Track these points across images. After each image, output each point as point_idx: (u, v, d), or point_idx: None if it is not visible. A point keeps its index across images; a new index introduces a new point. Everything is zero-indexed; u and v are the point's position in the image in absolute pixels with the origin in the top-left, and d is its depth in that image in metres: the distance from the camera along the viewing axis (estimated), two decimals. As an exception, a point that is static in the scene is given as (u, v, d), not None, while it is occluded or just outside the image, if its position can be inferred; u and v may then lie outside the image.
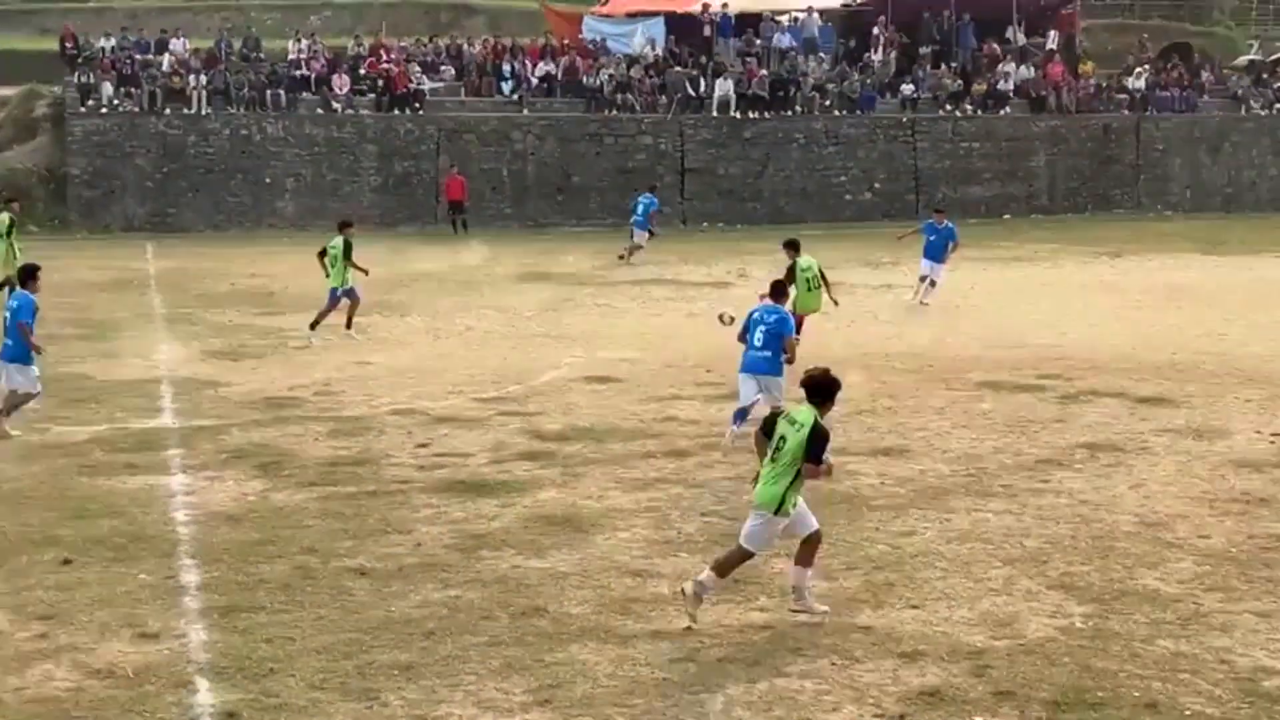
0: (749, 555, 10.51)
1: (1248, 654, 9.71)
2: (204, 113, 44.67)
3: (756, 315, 16.39)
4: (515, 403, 18.63)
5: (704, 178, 46.83)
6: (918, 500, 13.73)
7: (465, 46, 49.10)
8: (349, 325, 23.87)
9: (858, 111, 48.96)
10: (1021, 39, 53.07)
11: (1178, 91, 52.61)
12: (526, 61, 48.13)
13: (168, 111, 44.48)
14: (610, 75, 47.58)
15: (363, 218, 44.62)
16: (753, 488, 10.60)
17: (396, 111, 45.82)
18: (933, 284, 27.53)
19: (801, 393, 10.69)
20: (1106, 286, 31.10)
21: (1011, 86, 50.65)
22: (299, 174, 45.09)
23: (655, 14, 51.11)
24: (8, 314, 16.94)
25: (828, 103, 48.67)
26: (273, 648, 9.90)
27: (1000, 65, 51.09)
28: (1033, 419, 17.34)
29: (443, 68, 48.21)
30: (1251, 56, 58.45)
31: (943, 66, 51.07)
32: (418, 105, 46.06)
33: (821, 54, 50.88)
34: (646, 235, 36.39)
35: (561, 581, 11.32)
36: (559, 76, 47.87)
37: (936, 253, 27.61)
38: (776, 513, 10.33)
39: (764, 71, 48.77)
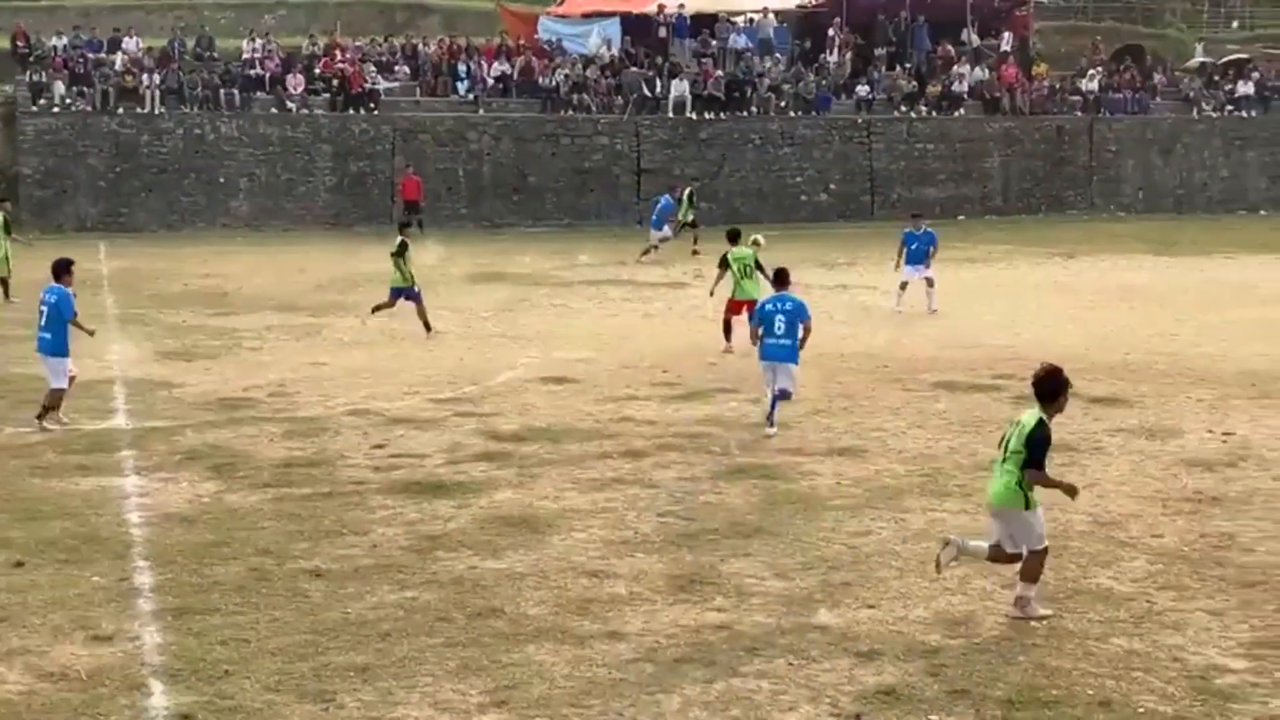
0: (1042, 554, 10.48)
1: (1200, 652, 9.78)
2: (157, 112, 44.44)
3: (771, 306, 16.99)
4: (471, 403, 18.59)
5: (660, 178, 46.86)
6: (874, 500, 13.77)
7: (420, 46, 49.03)
8: (427, 326, 24.22)
9: (813, 112, 49.16)
10: (976, 41, 53.38)
11: (1130, 93, 53.10)
12: (482, 61, 48.09)
13: (120, 111, 44.25)
14: (566, 76, 47.59)
15: (317, 218, 44.90)
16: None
17: (351, 111, 45.70)
18: (930, 283, 27.01)
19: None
20: (1060, 287, 31.30)
21: (966, 88, 50.98)
22: (253, 174, 44.91)
23: (611, 14, 51.17)
24: (45, 307, 17.29)
25: (783, 104, 48.83)
26: (227, 650, 9.84)
27: (955, 67, 51.41)
28: (987, 419, 17.40)
29: (398, 67, 48.12)
30: (1202, 59, 58.97)
31: (898, 68, 51.34)
32: (373, 105, 45.94)
33: (777, 55, 51.07)
34: (661, 235, 36.78)
35: (518, 582, 11.30)
36: (514, 77, 47.86)
37: (921, 258, 27.18)
38: (1026, 509, 10.40)
39: (719, 72, 48.89)
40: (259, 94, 45.74)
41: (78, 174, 43.83)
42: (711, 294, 23.68)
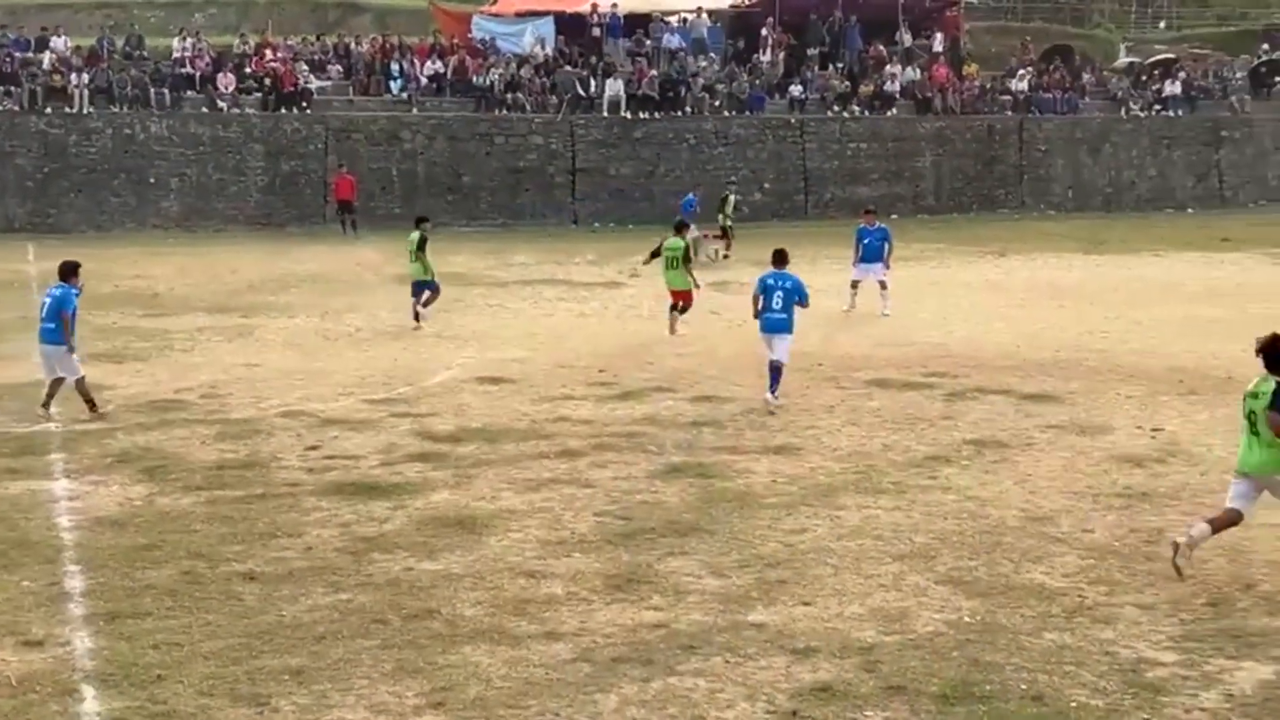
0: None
1: (1130, 646, 9.89)
2: (86, 112, 43.97)
3: (771, 281, 18.52)
4: (406, 404, 18.51)
5: (595, 178, 46.92)
6: (809, 498, 13.82)
7: (353, 45, 48.77)
8: (416, 317, 25.07)
9: (747, 112, 49.30)
10: (908, 41, 53.71)
11: (1059, 93, 53.62)
12: (415, 60, 47.90)
13: (49, 110, 43.76)
14: (500, 75, 47.48)
15: (249, 218, 44.57)
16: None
17: (283, 110, 45.39)
18: (883, 285, 26.69)
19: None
20: (991, 285, 31.55)
21: (898, 88, 51.30)
22: (184, 173, 44.52)
23: (544, 14, 51.08)
24: (48, 299, 17.85)
25: (717, 103, 48.94)
26: (160, 654, 9.76)
27: (887, 67, 51.70)
28: (920, 416, 17.53)
29: (330, 66, 47.83)
30: (1130, 59, 59.64)
31: (830, 68, 51.59)
32: (305, 104, 45.65)
33: (711, 54, 51.17)
34: (693, 235, 36.56)
35: (454, 583, 11.27)
36: (448, 76, 47.69)
37: (875, 254, 26.80)
38: None
39: (654, 72, 48.94)
40: (189, 93, 45.36)
41: (5, 174, 43.30)
42: (641, 265, 27.22)
